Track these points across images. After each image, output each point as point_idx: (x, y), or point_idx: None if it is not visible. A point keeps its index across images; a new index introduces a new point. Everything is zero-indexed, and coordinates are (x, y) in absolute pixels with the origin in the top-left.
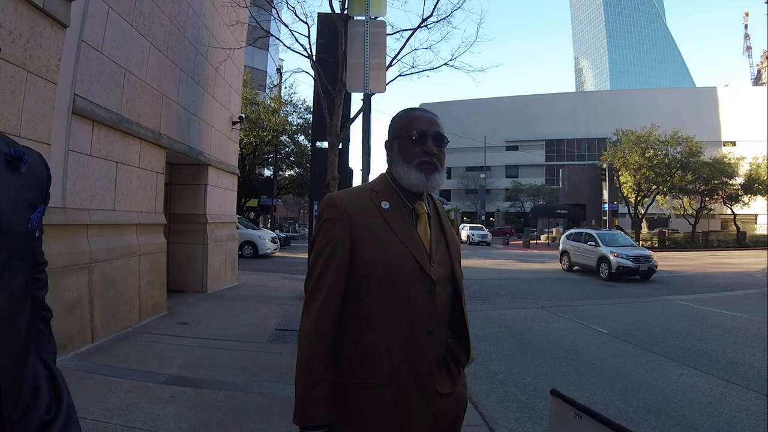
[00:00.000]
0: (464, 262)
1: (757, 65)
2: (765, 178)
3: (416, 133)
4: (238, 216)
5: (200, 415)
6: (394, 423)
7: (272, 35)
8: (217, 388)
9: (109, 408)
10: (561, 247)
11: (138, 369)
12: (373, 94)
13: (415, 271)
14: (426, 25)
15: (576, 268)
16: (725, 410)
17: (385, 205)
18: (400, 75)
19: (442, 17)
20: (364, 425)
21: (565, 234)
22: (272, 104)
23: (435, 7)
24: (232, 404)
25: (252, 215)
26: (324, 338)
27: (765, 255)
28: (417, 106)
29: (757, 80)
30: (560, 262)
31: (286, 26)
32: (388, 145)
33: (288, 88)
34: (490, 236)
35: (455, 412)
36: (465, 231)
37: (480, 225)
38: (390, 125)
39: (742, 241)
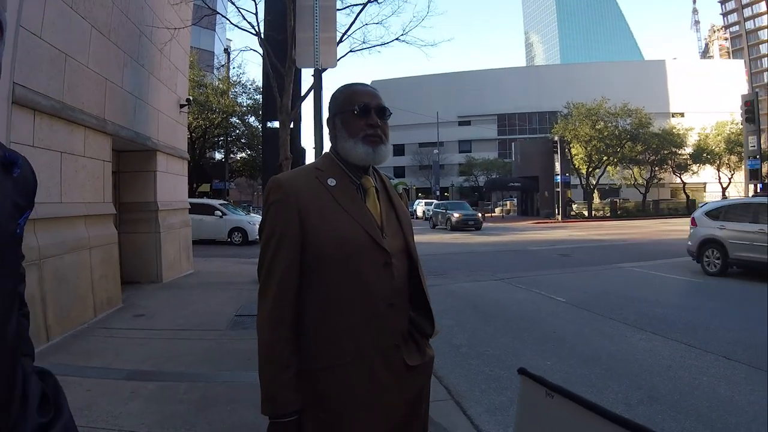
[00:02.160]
0: (420, 238)
1: (705, 39)
2: (713, 147)
3: (359, 107)
4: (224, 201)
5: (163, 409)
6: (367, 400)
7: (218, 13)
8: (179, 380)
9: (71, 409)
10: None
11: (97, 366)
12: (324, 69)
13: (368, 245)
14: (377, 0)
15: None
16: (685, 373)
17: (331, 182)
18: (351, 51)
19: None
20: (337, 407)
21: (433, 204)
22: (221, 85)
23: None
24: (194, 396)
25: (205, 200)
26: (284, 323)
27: None
28: (369, 83)
29: (705, 53)
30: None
31: (233, 3)
32: (331, 121)
33: (237, 68)
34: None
35: (422, 379)
36: (420, 207)
37: (434, 200)
38: (331, 102)
39: (692, 208)
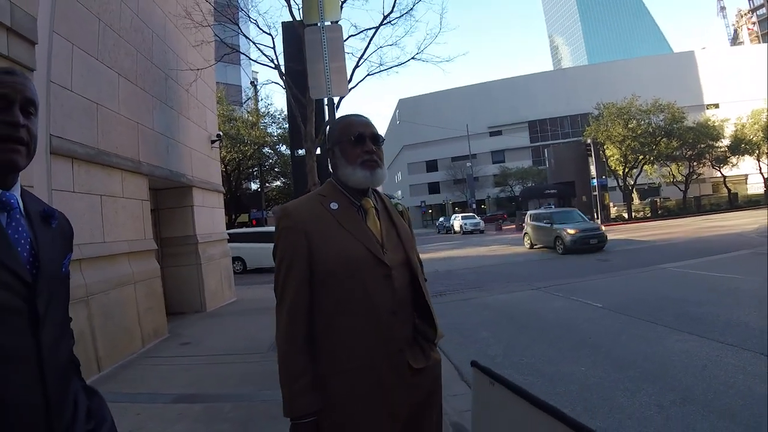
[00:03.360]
0: (458, 252)
1: (733, 25)
2: (751, 137)
3: (355, 136)
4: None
5: (209, 428)
6: (375, 403)
7: (237, 50)
8: (223, 401)
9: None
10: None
11: (145, 392)
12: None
13: (370, 260)
14: (389, 22)
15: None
16: (721, 372)
17: (333, 206)
18: (368, 74)
19: (404, 12)
20: (348, 409)
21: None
22: (250, 118)
23: (395, 2)
24: (238, 414)
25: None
26: (298, 336)
27: (757, 214)
28: (395, 102)
29: (734, 40)
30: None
31: (250, 40)
32: (330, 151)
33: (264, 100)
34: (482, 224)
35: (430, 382)
36: (457, 221)
37: (471, 213)
38: (328, 134)
39: (735, 202)
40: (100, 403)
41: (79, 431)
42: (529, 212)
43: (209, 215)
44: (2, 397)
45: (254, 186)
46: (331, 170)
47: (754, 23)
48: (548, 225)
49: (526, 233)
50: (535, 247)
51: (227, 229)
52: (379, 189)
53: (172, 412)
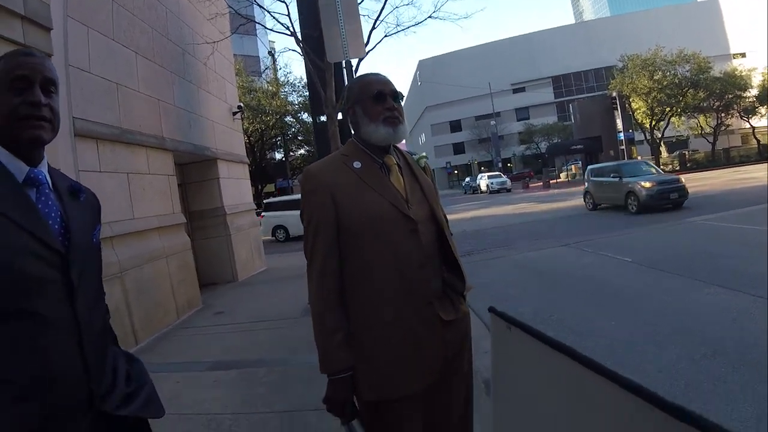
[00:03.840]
0: (485, 212)
1: None
2: None
3: (375, 94)
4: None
5: (245, 393)
6: (407, 355)
7: (252, 20)
8: (258, 366)
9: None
10: (585, 187)
11: (182, 362)
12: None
13: (395, 216)
14: None
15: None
16: (751, 324)
17: (356, 165)
18: (386, 35)
19: None
20: (381, 363)
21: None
22: (270, 88)
23: None
24: (273, 378)
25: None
26: (330, 294)
27: None
28: (416, 63)
29: None
30: (584, 201)
31: (264, 9)
32: (350, 110)
33: (282, 69)
34: (509, 182)
35: (461, 335)
36: (484, 180)
37: (498, 172)
38: (347, 93)
39: (764, 153)
40: (140, 368)
41: (118, 392)
42: (590, 167)
43: (235, 186)
44: (46, 362)
45: (278, 155)
46: (351, 130)
47: None
48: (616, 179)
49: (587, 192)
50: (599, 207)
51: (254, 199)
52: (404, 148)
53: (209, 379)
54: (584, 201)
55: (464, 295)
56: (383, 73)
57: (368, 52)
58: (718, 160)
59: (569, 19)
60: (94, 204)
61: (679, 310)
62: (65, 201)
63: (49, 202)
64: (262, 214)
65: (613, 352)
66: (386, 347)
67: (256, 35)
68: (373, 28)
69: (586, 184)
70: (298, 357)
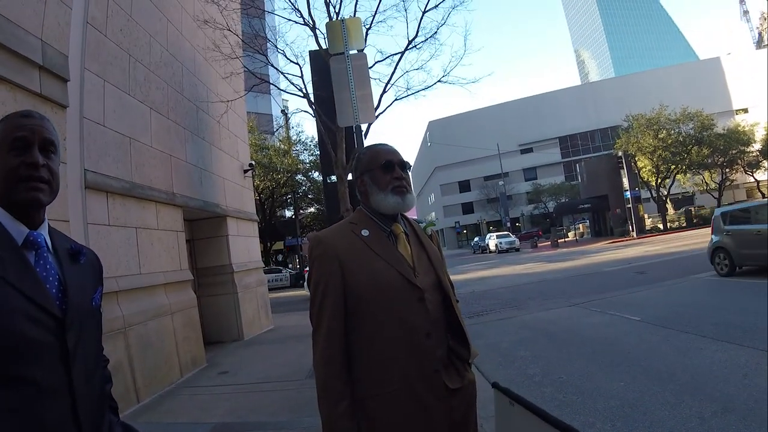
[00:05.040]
0: (494, 272)
1: (757, 28)
2: None
3: (384, 163)
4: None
5: None
6: (414, 424)
7: (267, 81)
8: (262, 429)
9: None
10: (713, 241)
11: (184, 422)
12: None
13: (402, 284)
14: (414, 46)
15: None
16: (762, 380)
17: (365, 232)
18: (396, 99)
19: (429, 36)
20: (387, 430)
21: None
22: (282, 146)
23: (419, 27)
24: None
25: (280, 257)
26: (335, 360)
27: None
28: (425, 124)
29: (759, 43)
30: (713, 264)
31: (278, 70)
32: (359, 180)
33: (295, 128)
34: (517, 242)
35: (466, 403)
36: (492, 240)
37: (506, 232)
38: (356, 163)
39: None
40: None
41: None
42: (720, 210)
43: (244, 244)
44: (40, 430)
45: (288, 213)
46: (360, 198)
47: None
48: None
49: (717, 248)
50: (740, 269)
51: (263, 256)
52: (412, 212)
53: None
54: (713, 263)
55: (470, 362)
56: (393, 133)
57: (378, 115)
58: None
59: (575, 81)
60: (96, 265)
61: (689, 367)
62: (64, 263)
63: (48, 265)
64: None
65: (624, 414)
66: (393, 415)
67: (270, 94)
68: (384, 91)
69: (714, 236)
70: (304, 420)
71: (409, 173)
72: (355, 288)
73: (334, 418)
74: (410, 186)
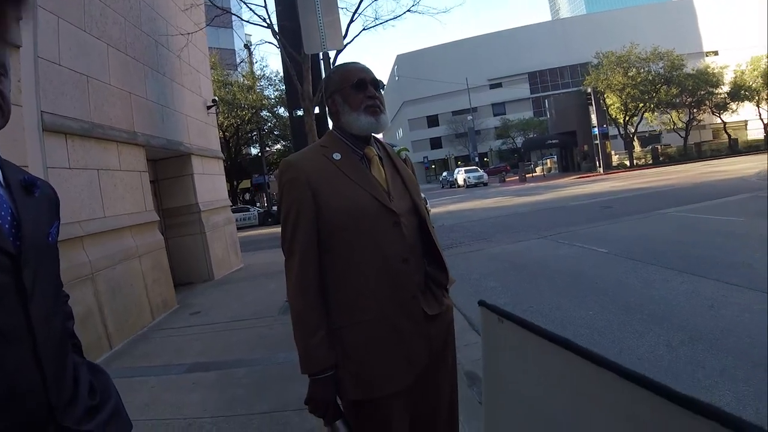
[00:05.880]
0: (463, 205)
1: None
2: (750, 83)
3: (356, 82)
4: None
5: (223, 395)
6: (392, 351)
7: (228, 12)
8: (237, 367)
9: (137, 407)
10: None
11: (159, 365)
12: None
13: (377, 209)
14: None
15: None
16: (727, 311)
17: (336, 156)
18: (364, 29)
19: None
20: (366, 360)
21: None
22: (246, 82)
23: None
24: (252, 379)
25: (247, 196)
26: (310, 290)
27: (757, 159)
28: (394, 57)
29: None
30: None
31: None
32: (330, 100)
33: (259, 62)
34: (486, 176)
35: (445, 328)
36: (461, 175)
37: (475, 167)
38: (326, 82)
39: (735, 148)
40: (105, 380)
41: (81, 406)
42: None
43: (210, 183)
44: (1, 376)
45: (254, 151)
46: (330, 120)
47: None
48: None
49: None
50: None
51: (229, 195)
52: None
53: (187, 382)
54: None
55: (447, 288)
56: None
57: (346, 44)
58: (690, 154)
59: (546, 17)
60: (52, 198)
61: (656, 298)
62: (17, 196)
63: None
64: None
65: (593, 341)
66: (371, 344)
67: (232, 28)
68: (351, 20)
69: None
70: (278, 356)
71: (383, 92)
72: (327, 214)
73: (310, 349)
74: (384, 105)
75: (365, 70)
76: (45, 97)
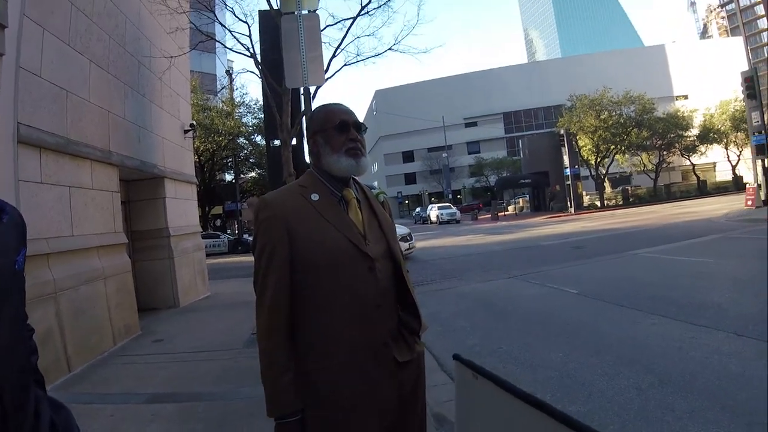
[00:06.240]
0: (435, 242)
1: (703, 19)
2: (719, 127)
3: (338, 124)
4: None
5: (183, 428)
6: (362, 398)
7: (213, 38)
8: (198, 400)
9: None
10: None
11: (118, 392)
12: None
13: (352, 252)
14: (367, 12)
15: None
16: (696, 353)
17: (314, 197)
18: (345, 64)
19: (382, 2)
20: (334, 405)
21: None
22: (225, 107)
23: None
24: (213, 414)
25: (218, 222)
26: (279, 331)
27: (726, 200)
28: (372, 93)
29: (704, 34)
30: None
31: (226, 28)
32: (311, 140)
33: (239, 89)
34: (458, 213)
35: (415, 375)
36: (434, 211)
37: (448, 204)
38: (309, 122)
39: (704, 189)
40: (66, 416)
41: None
42: None
43: (182, 207)
44: None
45: (229, 177)
46: (311, 160)
47: (723, 18)
48: None
49: None
50: None
51: (201, 221)
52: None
53: (146, 413)
54: None
55: (420, 334)
56: (340, 99)
57: (327, 79)
58: (660, 195)
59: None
60: (19, 224)
61: (625, 340)
62: None
63: None
64: None
65: (563, 385)
66: (340, 389)
67: (215, 53)
68: (334, 56)
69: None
70: (241, 391)
71: (364, 136)
72: (302, 255)
73: (278, 391)
74: (365, 149)
75: (348, 113)
76: (22, 109)
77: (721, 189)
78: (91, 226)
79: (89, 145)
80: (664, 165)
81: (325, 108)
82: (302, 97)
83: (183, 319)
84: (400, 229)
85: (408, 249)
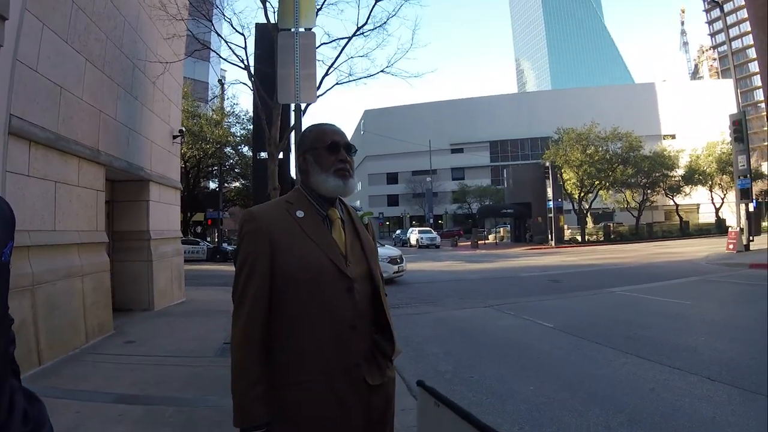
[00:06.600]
0: (414, 266)
1: (694, 60)
2: (704, 168)
3: (329, 144)
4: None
5: (149, 431)
6: (329, 416)
7: (209, 47)
8: (166, 404)
9: (59, 430)
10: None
11: (86, 390)
12: (308, 105)
13: (332, 272)
14: (362, 33)
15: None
16: (668, 395)
17: (299, 214)
18: (337, 83)
19: (378, 25)
20: (302, 422)
21: None
22: (215, 116)
23: (370, 14)
24: (180, 419)
25: (199, 229)
26: (254, 343)
27: (707, 243)
28: (361, 113)
29: (694, 74)
30: None
31: (222, 38)
32: (301, 158)
33: (230, 99)
34: (438, 239)
35: (385, 401)
36: (414, 235)
37: (428, 228)
38: (300, 140)
39: (686, 230)
40: (40, 408)
41: (13, 431)
42: None
43: (165, 211)
44: None
45: (213, 185)
46: (299, 177)
47: (714, 59)
48: None
49: None
50: None
51: (182, 227)
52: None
53: (113, 412)
54: None
55: (392, 359)
56: (329, 117)
57: (318, 97)
58: (642, 233)
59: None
60: (7, 217)
61: (597, 377)
62: None
63: None
64: None
65: (532, 418)
66: (308, 406)
67: (209, 62)
68: (326, 74)
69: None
70: (209, 399)
71: (353, 157)
72: (283, 268)
73: (247, 402)
74: (353, 171)
75: (339, 134)
76: (16, 101)
77: (704, 231)
78: (73, 222)
79: (79, 143)
80: (648, 203)
81: (318, 127)
82: (293, 113)
83: (157, 322)
84: (392, 251)
85: (398, 272)
